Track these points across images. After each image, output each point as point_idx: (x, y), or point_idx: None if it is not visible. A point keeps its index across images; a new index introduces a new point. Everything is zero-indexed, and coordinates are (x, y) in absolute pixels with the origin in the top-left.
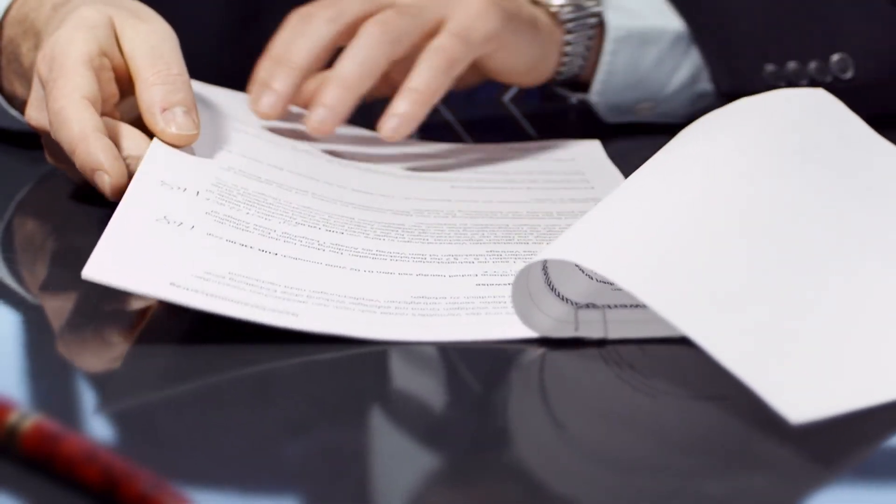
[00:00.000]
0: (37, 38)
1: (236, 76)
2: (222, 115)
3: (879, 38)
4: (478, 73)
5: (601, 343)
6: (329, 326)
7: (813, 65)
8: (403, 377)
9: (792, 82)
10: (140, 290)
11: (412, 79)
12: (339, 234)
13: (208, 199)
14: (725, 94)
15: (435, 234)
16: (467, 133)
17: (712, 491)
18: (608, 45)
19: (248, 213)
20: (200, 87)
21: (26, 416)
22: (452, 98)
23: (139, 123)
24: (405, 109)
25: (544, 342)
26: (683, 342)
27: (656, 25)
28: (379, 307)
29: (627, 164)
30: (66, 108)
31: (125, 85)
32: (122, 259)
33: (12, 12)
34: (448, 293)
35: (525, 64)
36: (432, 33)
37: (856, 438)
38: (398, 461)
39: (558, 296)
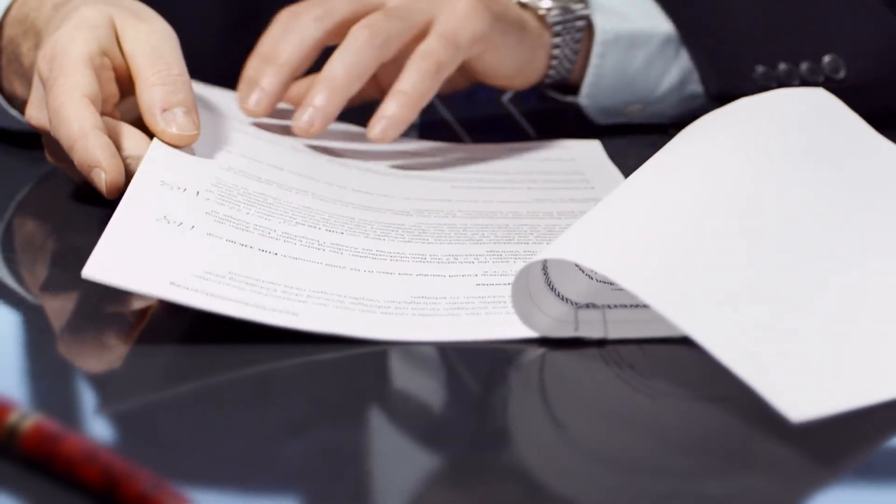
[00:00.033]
0: (37, 37)
1: (236, 76)
2: (222, 115)
3: (871, 38)
4: (466, 76)
5: (601, 343)
6: (329, 326)
7: (804, 66)
8: (403, 377)
9: (783, 83)
10: (140, 290)
11: (401, 82)
12: (339, 234)
13: (208, 199)
14: (715, 96)
15: (435, 234)
16: (467, 133)
17: (712, 491)
18: (596, 49)
19: (248, 213)
20: (200, 88)
21: (26, 416)
22: (452, 98)
23: (139, 123)
24: (393, 112)
25: (544, 342)
26: (683, 342)
27: (644, 28)
28: (379, 307)
29: (627, 164)
30: (66, 105)
31: (125, 85)
32: (122, 258)
33: (12, 12)
34: (448, 293)
35: (513, 66)
36: (421, 35)
37: (856, 438)
38: (398, 461)
39: (558, 296)
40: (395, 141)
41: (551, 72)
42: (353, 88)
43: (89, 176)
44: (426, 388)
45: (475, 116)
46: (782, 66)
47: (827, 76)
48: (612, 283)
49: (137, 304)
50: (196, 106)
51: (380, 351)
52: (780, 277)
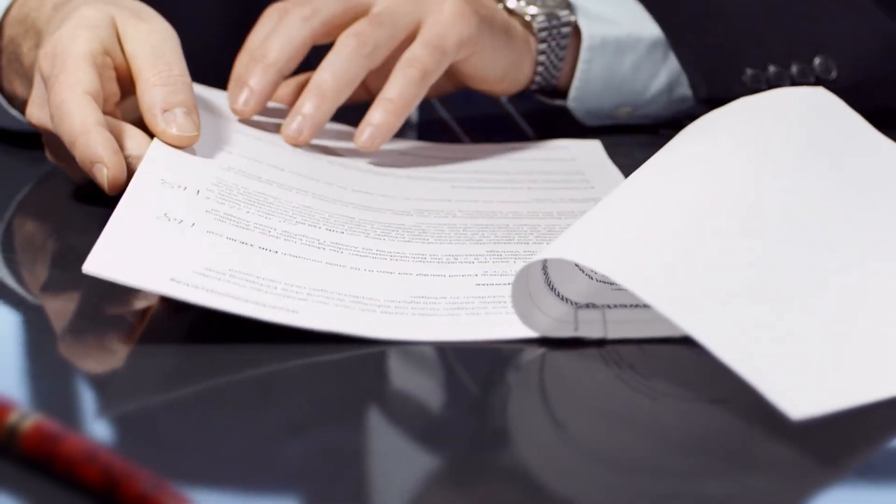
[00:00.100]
0: (38, 37)
1: None
2: (223, 115)
3: (862, 39)
4: (452, 81)
5: (601, 343)
6: (329, 324)
7: (795, 67)
8: (403, 378)
9: (773, 86)
10: (140, 286)
11: (387, 89)
12: (339, 233)
13: (208, 198)
14: (703, 100)
15: (435, 233)
16: (466, 133)
17: (712, 491)
18: (583, 54)
19: (248, 212)
20: (201, 90)
21: (26, 416)
22: (451, 98)
23: (140, 123)
24: (379, 120)
25: (544, 342)
26: (683, 343)
27: (632, 33)
28: (379, 306)
29: (627, 164)
30: (68, 101)
31: (126, 85)
32: (122, 255)
33: (13, 12)
34: (448, 293)
35: (500, 70)
36: (409, 39)
37: (856, 438)
38: (398, 461)
39: (558, 296)
40: (394, 141)
41: (537, 78)
42: (343, 96)
43: (91, 172)
44: (426, 389)
45: (474, 116)
46: (772, 69)
47: (818, 77)
48: (612, 283)
49: (138, 305)
50: (196, 107)
51: (380, 351)
52: (781, 276)
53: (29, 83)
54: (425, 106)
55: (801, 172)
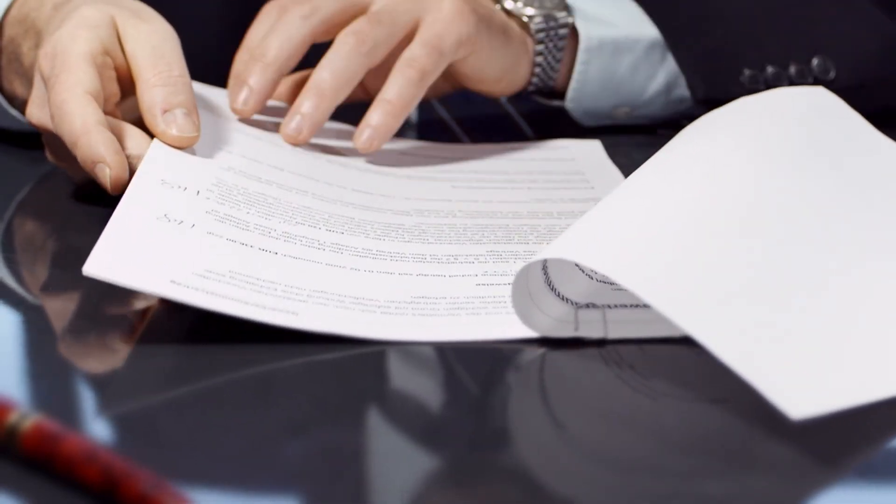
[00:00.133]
0: (38, 37)
1: None
2: (223, 115)
3: (861, 39)
4: (450, 82)
5: (601, 343)
6: (329, 326)
7: (793, 68)
8: (404, 377)
9: (771, 86)
10: (140, 288)
11: (385, 90)
12: (339, 233)
13: (208, 199)
14: (701, 101)
15: (435, 234)
16: (465, 133)
17: (712, 491)
18: (581, 55)
19: (248, 213)
20: (201, 88)
21: (26, 416)
22: (450, 98)
23: (140, 124)
24: (378, 121)
25: (544, 342)
26: (683, 343)
27: (630, 34)
28: (379, 307)
29: (626, 164)
30: (69, 101)
31: (126, 85)
32: (122, 256)
33: (13, 12)
34: (448, 293)
35: (497, 70)
36: (408, 38)
37: (856, 439)
38: (398, 461)
39: (558, 296)
40: (393, 141)
41: (534, 79)
42: (342, 95)
43: (93, 172)
44: (426, 389)
45: (474, 116)
46: (770, 70)
47: (816, 78)
48: (612, 283)
49: (138, 305)
50: (196, 107)
51: (380, 351)
52: (781, 276)
53: (29, 83)
54: (425, 106)
55: (801, 172)
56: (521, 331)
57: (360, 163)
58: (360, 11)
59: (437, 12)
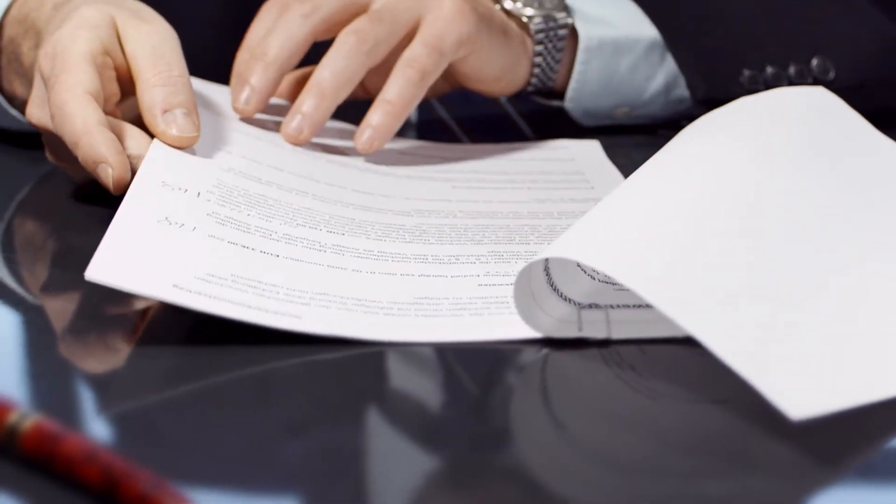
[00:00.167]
0: (37, 37)
1: None
2: (223, 115)
3: (861, 40)
4: (449, 82)
5: (604, 343)
6: (333, 328)
7: (793, 69)
8: (404, 377)
9: (770, 87)
10: (143, 292)
11: (386, 91)
12: (340, 235)
13: (209, 201)
14: (701, 101)
15: (436, 234)
16: (465, 133)
17: (713, 492)
18: (580, 55)
19: (249, 215)
20: (201, 85)
21: (26, 416)
22: (450, 97)
23: (140, 124)
24: (378, 122)
25: (547, 343)
26: (684, 344)
27: (629, 34)
28: (382, 308)
29: (625, 164)
30: (69, 102)
31: (126, 85)
32: (124, 260)
33: (13, 12)
34: (451, 294)
35: (497, 69)
36: (409, 37)
37: (856, 439)
38: (398, 461)
39: (561, 296)
40: (393, 141)
41: (533, 79)
42: (342, 94)
43: (95, 172)
44: (427, 389)
45: (473, 116)
46: (769, 70)
47: (816, 78)
48: (614, 283)
49: (138, 305)
50: (196, 107)
51: (380, 351)
52: (781, 276)
53: (29, 83)
54: (424, 106)
55: (801, 172)
56: (525, 331)
57: (359, 163)
58: (360, 10)
59: (437, 11)
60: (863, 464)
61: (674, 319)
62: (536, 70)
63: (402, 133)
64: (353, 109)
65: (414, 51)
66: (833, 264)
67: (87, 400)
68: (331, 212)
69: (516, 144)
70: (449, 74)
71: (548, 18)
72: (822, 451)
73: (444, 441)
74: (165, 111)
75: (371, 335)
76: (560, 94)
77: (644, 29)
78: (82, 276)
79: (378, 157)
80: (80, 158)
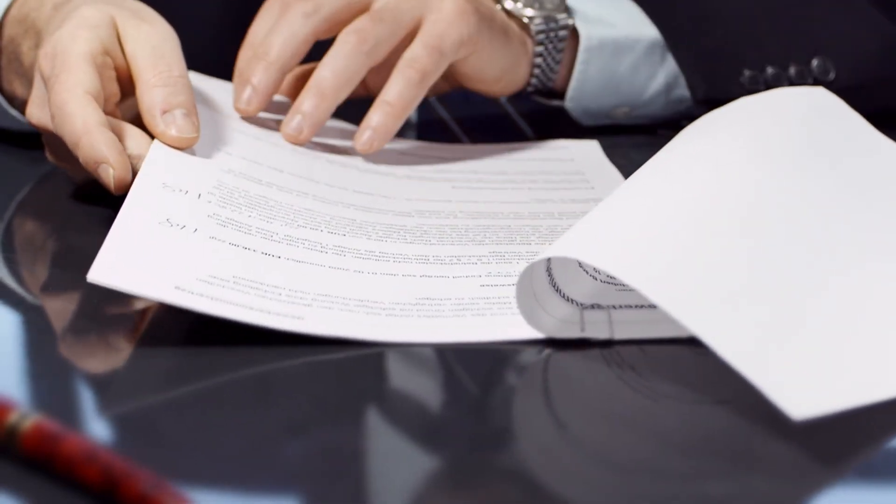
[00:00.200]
0: (37, 37)
1: None
2: (223, 114)
3: (861, 40)
4: (449, 81)
5: (607, 344)
6: (335, 329)
7: (793, 69)
8: (404, 377)
9: (771, 87)
10: (145, 294)
11: (386, 91)
12: (341, 235)
13: (210, 202)
14: (701, 101)
15: (437, 235)
16: (465, 133)
17: (714, 492)
18: (581, 55)
19: (250, 216)
20: (200, 81)
21: (26, 416)
22: (450, 98)
23: (139, 124)
24: (378, 123)
25: (549, 343)
26: (684, 344)
27: (630, 34)
28: (384, 309)
29: (625, 165)
30: (69, 102)
31: (126, 85)
32: (126, 262)
33: (13, 12)
34: (453, 294)
35: (497, 70)
36: (410, 37)
37: (858, 439)
38: (398, 461)
39: (563, 296)
40: (393, 141)
41: (533, 79)
42: (343, 94)
43: (96, 172)
44: (428, 389)
45: (473, 116)
46: (770, 70)
47: (816, 79)
48: (616, 284)
49: (138, 305)
50: (196, 108)
51: (381, 351)
52: (781, 276)
53: (29, 83)
54: (424, 106)
55: (802, 172)
56: (527, 332)
57: (359, 163)
58: (362, 9)
59: (438, 11)
60: (864, 464)
61: (676, 319)
62: (537, 70)
63: (402, 133)
64: (353, 109)
65: (414, 51)
66: (833, 264)
67: (87, 400)
68: (332, 213)
69: (516, 144)
70: (449, 74)
71: (548, 19)
72: (824, 452)
73: (444, 441)
74: (165, 112)
75: (374, 336)
76: (560, 94)
77: (644, 29)
78: (82, 277)
79: (378, 157)
80: (80, 159)
